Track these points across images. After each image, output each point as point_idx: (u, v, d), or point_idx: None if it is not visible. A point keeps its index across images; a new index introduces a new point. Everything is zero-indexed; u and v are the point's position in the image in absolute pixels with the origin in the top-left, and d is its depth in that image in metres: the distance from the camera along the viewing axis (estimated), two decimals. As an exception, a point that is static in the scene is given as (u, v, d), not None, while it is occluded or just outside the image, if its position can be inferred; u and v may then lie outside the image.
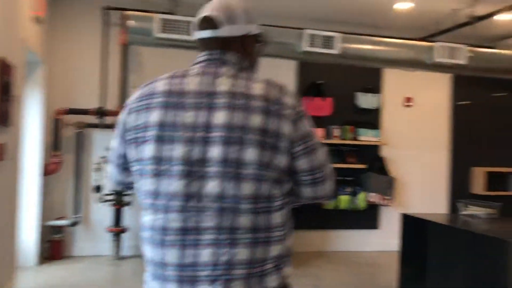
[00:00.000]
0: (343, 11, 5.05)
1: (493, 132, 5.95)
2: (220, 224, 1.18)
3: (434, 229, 3.61)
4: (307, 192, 1.30)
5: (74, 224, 4.73)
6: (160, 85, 1.26)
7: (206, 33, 1.32)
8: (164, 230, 1.19)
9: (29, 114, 4.40)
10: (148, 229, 1.22)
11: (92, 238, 4.94)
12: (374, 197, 5.43)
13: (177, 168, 1.18)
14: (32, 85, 4.42)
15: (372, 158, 5.61)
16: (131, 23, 4.12)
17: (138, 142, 1.24)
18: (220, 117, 1.20)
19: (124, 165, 1.33)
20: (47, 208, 4.66)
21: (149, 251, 1.23)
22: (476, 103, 5.87)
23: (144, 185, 1.23)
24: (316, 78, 5.49)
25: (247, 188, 1.19)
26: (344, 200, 5.35)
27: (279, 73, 5.24)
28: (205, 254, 1.17)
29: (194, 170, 1.18)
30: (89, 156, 4.91)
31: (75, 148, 4.86)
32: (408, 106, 5.82)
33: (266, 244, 1.21)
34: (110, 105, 4.92)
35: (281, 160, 1.22)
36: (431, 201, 5.87)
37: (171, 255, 1.18)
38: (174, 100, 1.23)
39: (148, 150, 1.21)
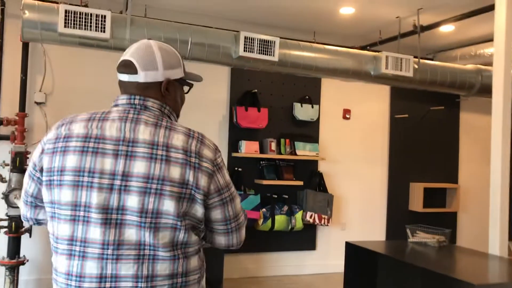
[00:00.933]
0: (283, 14, 4.61)
1: (430, 146, 5.78)
2: (138, 272, 1.20)
3: (383, 262, 3.22)
4: (219, 240, 1.36)
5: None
6: (78, 128, 1.26)
7: (124, 77, 1.34)
8: (81, 277, 1.20)
9: None
10: (63, 275, 1.22)
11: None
12: (311, 217, 5.02)
13: (95, 215, 1.20)
14: None
15: (309, 174, 5.21)
16: (30, 15, 3.38)
17: (53, 185, 1.24)
18: (139, 166, 1.21)
19: (35, 203, 1.35)
20: None
21: None
22: (414, 117, 5.66)
23: (59, 229, 1.23)
24: (251, 86, 5.00)
25: (165, 236, 1.21)
26: (279, 221, 4.89)
27: (211, 80, 4.72)
28: None
29: (111, 217, 1.20)
30: (-21, 173, 4.07)
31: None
32: (346, 118, 5.49)
33: None
34: (6, 112, 4.13)
35: (198, 210, 1.26)
36: (370, 219, 5.57)
37: None
38: (91, 145, 1.23)
39: (64, 195, 1.22)
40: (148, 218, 1.19)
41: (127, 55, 1.33)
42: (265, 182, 4.87)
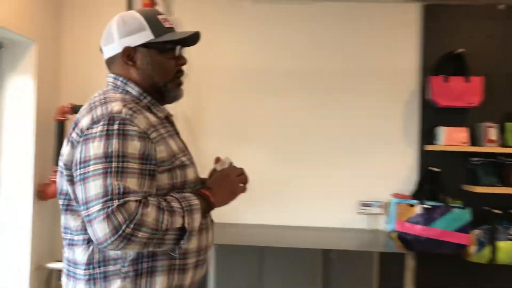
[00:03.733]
0: None
1: None
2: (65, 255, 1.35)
3: None
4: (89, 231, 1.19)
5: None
6: None
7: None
8: None
9: (12, 115, 3.11)
10: None
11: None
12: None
13: None
14: (16, 74, 3.11)
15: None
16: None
17: None
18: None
19: None
20: (44, 245, 3.33)
21: None
22: None
23: None
24: (455, 45, 3.34)
25: (61, 218, 1.33)
26: (505, 249, 3.15)
27: (390, 39, 3.34)
28: None
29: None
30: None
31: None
32: None
33: (73, 279, 1.29)
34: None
35: (63, 185, 1.29)
36: None
37: None
38: None
39: None
40: (60, 200, 1.33)
41: None
42: (479, 189, 3.18)
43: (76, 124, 1.27)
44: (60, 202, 1.32)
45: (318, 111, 3.44)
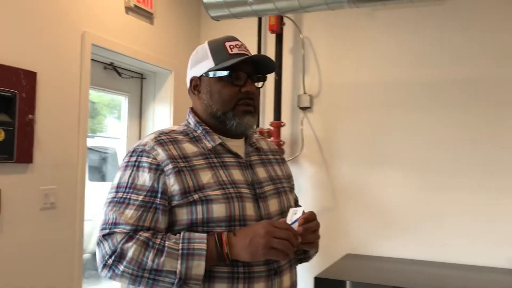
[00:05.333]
0: None
1: None
2: None
3: None
4: None
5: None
6: None
7: None
8: None
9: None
10: None
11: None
12: None
13: None
14: (156, 102, 3.30)
15: None
16: None
17: None
18: None
19: None
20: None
21: None
22: None
23: None
24: None
25: None
26: None
27: None
28: None
29: None
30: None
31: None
32: None
33: None
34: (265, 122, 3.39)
35: None
36: None
37: None
38: None
39: None
40: None
41: None
42: None
43: None
44: None
45: (473, 128, 2.89)
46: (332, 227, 3.14)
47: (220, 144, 1.30)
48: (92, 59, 2.62)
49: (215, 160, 1.27)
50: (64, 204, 2.39)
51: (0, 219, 2.05)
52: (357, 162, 3.16)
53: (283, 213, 1.31)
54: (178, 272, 1.10)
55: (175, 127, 1.34)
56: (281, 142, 3.16)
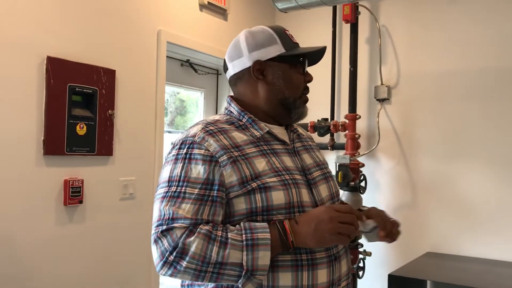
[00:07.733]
0: None
1: None
2: None
3: None
4: None
5: None
6: None
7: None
8: None
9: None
10: None
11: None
12: None
13: None
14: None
15: None
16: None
17: None
18: None
19: None
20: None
21: None
22: None
23: None
24: None
25: None
26: None
27: None
28: None
29: None
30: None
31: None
32: None
33: None
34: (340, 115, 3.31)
35: None
36: None
37: None
38: None
39: None
40: None
41: None
42: None
43: None
44: None
45: None
46: (411, 223, 2.99)
47: (267, 132, 1.28)
48: (169, 57, 2.72)
49: (265, 147, 1.24)
50: (142, 195, 2.52)
51: (82, 208, 2.21)
52: (438, 156, 2.99)
53: (333, 198, 1.31)
54: (244, 264, 1.07)
55: (218, 117, 1.30)
56: (357, 135, 3.07)
